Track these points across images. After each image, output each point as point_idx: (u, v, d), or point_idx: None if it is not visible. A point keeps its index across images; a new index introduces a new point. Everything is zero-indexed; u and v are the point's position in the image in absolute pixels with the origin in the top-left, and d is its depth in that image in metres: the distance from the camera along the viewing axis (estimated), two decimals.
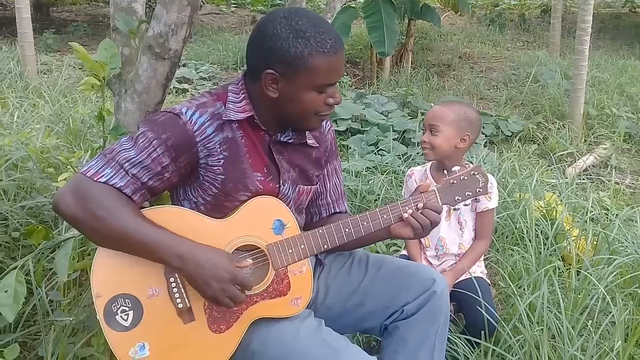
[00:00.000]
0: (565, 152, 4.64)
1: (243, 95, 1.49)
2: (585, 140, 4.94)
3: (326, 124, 1.69)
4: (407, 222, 1.53)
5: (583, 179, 4.03)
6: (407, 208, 1.53)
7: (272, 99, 1.44)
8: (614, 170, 4.31)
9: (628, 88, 6.28)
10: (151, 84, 1.73)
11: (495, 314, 1.96)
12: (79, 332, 1.92)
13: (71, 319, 1.89)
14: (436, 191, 1.58)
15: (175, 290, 1.40)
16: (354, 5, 6.82)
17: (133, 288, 1.39)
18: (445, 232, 2.14)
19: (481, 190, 1.62)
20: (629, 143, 4.95)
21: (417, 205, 1.53)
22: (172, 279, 1.40)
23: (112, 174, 1.37)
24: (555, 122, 5.21)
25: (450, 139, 2.04)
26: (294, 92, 1.42)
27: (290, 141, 1.56)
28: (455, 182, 1.59)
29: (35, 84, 5.34)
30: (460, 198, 1.60)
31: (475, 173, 1.61)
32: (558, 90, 6.15)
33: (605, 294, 2.10)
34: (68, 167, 2.04)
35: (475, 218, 2.16)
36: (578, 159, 4.48)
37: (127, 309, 1.37)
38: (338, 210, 1.77)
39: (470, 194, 1.61)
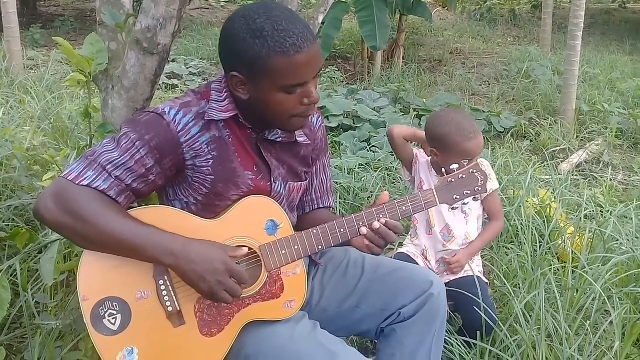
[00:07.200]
0: (558, 148, 4.63)
1: (226, 94, 1.43)
2: (577, 137, 4.93)
3: (317, 120, 1.64)
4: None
5: (576, 176, 4.01)
6: (404, 208, 1.49)
7: (245, 101, 1.39)
8: (607, 166, 4.30)
9: (619, 84, 6.28)
10: (139, 80, 1.68)
11: (494, 314, 1.93)
12: (66, 335, 1.87)
13: (57, 323, 1.84)
14: (434, 190, 1.54)
15: (164, 292, 1.35)
16: (345, 0, 6.76)
17: (121, 291, 1.34)
18: (451, 220, 2.15)
19: (480, 188, 1.58)
20: (621, 139, 4.94)
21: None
22: (161, 282, 1.35)
23: (94, 176, 1.31)
24: (548, 118, 5.20)
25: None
26: (261, 95, 1.35)
27: (278, 140, 1.51)
28: (453, 180, 1.55)
29: (21, 79, 5.25)
30: (458, 197, 1.56)
31: (474, 171, 1.57)
32: (550, 86, 6.14)
33: (602, 293, 2.08)
34: (54, 166, 1.98)
35: (480, 206, 2.17)
36: (571, 155, 4.47)
37: (114, 312, 1.32)
38: (322, 206, 1.73)
39: (469, 192, 1.57)
